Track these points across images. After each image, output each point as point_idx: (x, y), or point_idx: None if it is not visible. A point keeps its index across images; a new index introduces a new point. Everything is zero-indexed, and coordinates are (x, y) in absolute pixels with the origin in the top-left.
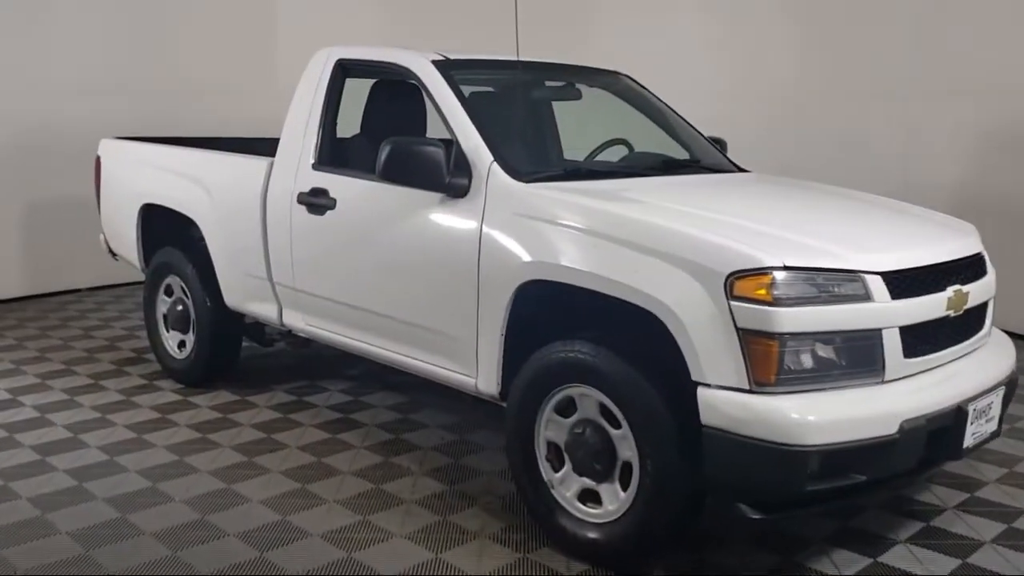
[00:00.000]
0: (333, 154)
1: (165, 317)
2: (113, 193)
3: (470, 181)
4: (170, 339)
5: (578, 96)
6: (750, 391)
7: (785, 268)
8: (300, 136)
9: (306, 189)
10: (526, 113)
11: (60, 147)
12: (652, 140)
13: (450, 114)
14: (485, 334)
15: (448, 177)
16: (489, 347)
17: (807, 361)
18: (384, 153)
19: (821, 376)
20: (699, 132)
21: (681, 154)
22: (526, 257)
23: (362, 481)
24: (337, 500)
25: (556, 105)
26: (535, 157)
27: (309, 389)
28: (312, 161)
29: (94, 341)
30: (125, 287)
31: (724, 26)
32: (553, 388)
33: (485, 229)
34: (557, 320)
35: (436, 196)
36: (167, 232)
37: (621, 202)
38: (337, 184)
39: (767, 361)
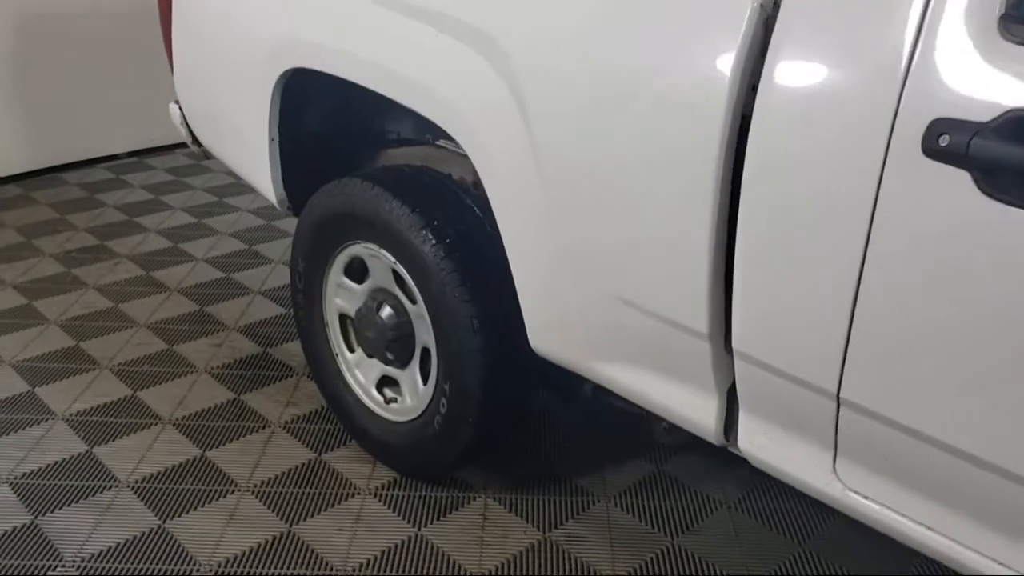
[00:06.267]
0: None
1: (347, 323)
2: (206, 29)
3: None
4: (360, 372)
5: None
6: None
7: None
8: None
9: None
10: None
11: None
12: None
13: None
14: None
15: None
16: None
17: None
18: None
19: None
20: None
21: None
22: None
23: None
24: None
25: None
26: None
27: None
28: None
29: (165, 300)
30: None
31: None
32: None
33: None
34: None
35: None
36: (355, 139)
37: None
38: None
39: None
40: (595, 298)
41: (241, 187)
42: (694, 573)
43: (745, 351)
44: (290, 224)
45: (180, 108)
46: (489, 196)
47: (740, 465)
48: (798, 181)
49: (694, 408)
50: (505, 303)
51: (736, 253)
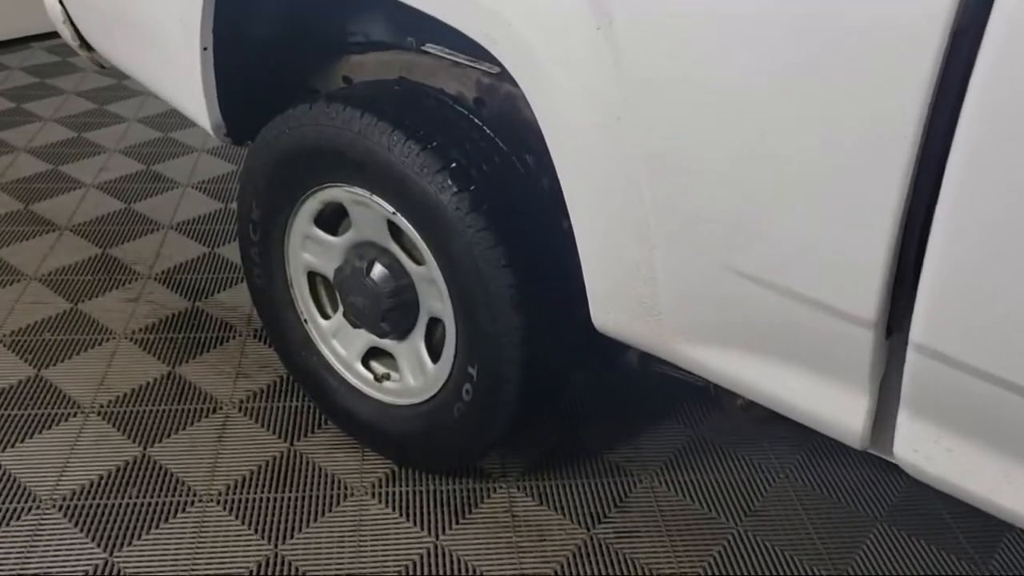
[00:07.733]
0: None
1: (316, 281)
2: None
3: None
4: (339, 343)
5: None
6: None
7: None
8: None
9: None
10: None
11: None
12: None
13: None
14: None
15: None
16: None
17: None
18: None
19: None
20: None
21: None
22: None
23: None
24: None
25: None
26: None
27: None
28: None
29: (56, 242)
30: (46, 40)
31: None
32: None
33: None
34: None
35: None
36: (308, 43)
37: None
38: None
39: None
40: (699, 270)
41: (124, 90)
42: (773, 571)
43: (930, 345)
44: (193, 137)
45: (62, 2)
46: (547, 138)
47: (776, 423)
48: None
49: (833, 405)
50: (549, 267)
51: (936, 219)
